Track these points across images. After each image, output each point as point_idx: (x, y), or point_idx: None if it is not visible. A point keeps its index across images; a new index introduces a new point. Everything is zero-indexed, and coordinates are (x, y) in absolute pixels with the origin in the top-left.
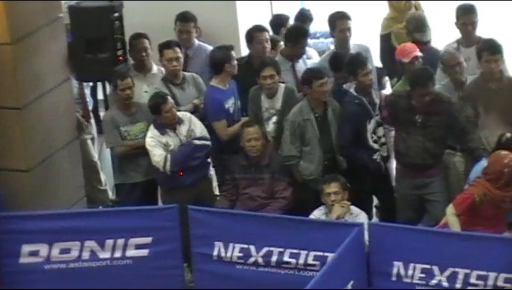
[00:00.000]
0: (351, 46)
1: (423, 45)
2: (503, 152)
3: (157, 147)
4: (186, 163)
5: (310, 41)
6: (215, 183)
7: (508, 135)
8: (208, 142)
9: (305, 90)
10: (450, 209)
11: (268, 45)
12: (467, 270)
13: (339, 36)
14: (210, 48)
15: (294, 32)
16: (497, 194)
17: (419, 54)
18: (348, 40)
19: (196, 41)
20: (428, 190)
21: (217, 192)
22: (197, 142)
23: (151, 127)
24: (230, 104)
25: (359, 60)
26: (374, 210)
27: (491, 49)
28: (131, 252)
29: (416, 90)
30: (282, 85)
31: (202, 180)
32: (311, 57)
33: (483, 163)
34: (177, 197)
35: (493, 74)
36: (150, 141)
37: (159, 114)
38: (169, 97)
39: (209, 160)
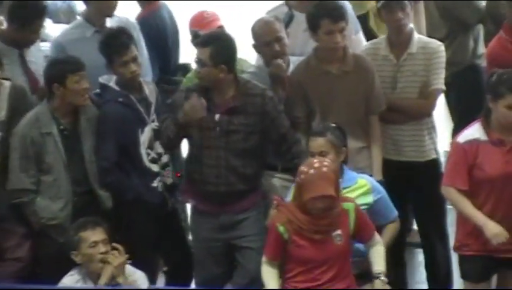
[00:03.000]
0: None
1: None
2: (313, 159)
3: None
4: None
5: None
6: None
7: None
8: None
9: (55, 90)
10: (263, 258)
11: None
12: None
13: None
14: None
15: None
16: (303, 221)
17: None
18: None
19: None
20: (239, 231)
21: None
22: None
23: None
24: None
25: (117, 43)
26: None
27: (332, 15)
28: None
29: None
30: (7, 83)
31: None
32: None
33: None
34: None
35: (335, 52)
36: None
37: None
38: None
39: None
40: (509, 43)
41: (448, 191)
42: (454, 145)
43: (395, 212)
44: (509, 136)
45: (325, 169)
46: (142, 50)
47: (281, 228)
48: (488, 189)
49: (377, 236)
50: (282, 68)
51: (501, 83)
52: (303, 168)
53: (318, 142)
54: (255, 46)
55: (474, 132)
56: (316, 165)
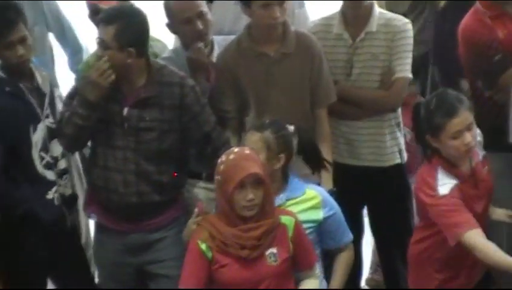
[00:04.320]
0: None
1: None
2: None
3: None
4: None
5: None
6: None
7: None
8: None
9: None
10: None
11: None
12: None
13: None
14: None
15: None
16: (226, 235)
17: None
18: None
19: None
20: (153, 255)
21: None
22: None
23: None
24: None
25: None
26: None
27: None
28: None
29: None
30: None
31: None
32: None
33: None
34: None
35: (272, 30)
36: None
37: None
38: None
39: None
40: (488, 17)
41: (470, 238)
42: (443, 200)
43: (350, 236)
44: (471, 161)
45: (247, 151)
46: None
47: (203, 246)
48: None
49: (316, 269)
50: (203, 52)
51: (433, 113)
52: (221, 159)
53: (252, 138)
54: (171, 26)
55: (445, 179)
56: (236, 149)
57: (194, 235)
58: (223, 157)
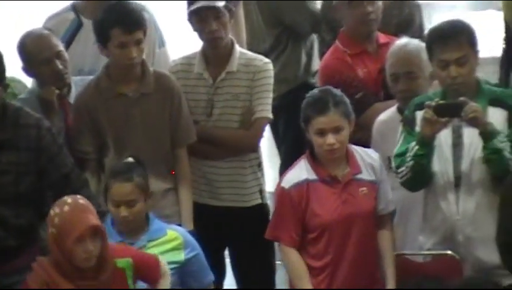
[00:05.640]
0: None
1: None
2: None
3: None
4: None
5: None
6: None
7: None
8: None
9: None
10: None
11: None
12: None
13: None
14: None
15: None
16: (62, 284)
17: None
18: None
19: None
20: None
21: None
22: None
23: None
24: None
25: None
26: None
27: (124, 23)
28: None
29: None
30: None
31: None
32: None
33: None
34: None
35: (130, 70)
36: None
37: None
38: None
39: None
40: (347, 55)
41: (284, 252)
42: (279, 191)
43: (211, 276)
44: (343, 169)
45: (81, 201)
46: None
47: None
48: (327, 237)
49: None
50: (53, 92)
51: (308, 105)
52: (54, 211)
53: (126, 190)
54: (26, 69)
55: (300, 172)
56: (69, 200)
57: (29, 280)
58: (57, 209)
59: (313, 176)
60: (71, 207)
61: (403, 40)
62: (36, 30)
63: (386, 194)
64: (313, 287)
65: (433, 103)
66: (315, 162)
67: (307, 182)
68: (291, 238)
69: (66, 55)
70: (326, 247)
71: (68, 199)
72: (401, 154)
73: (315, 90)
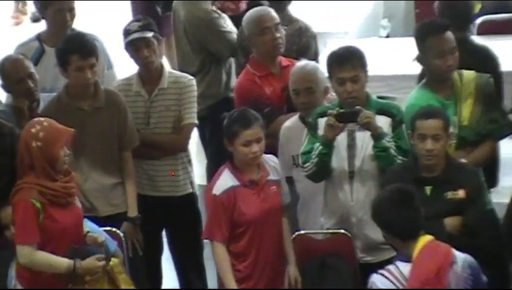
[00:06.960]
0: None
1: None
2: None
3: None
4: None
5: None
6: None
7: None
8: None
9: None
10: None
11: None
12: None
13: None
14: None
15: None
16: (55, 188)
17: None
18: None
19: None
20: None
21: None
22: None
23: None
24: None
25: None
26: None
27: (81, 51)
28: None
29: None
30: None
31: None
32: None
33: None
34: None
35: (85, 89)
36: None
37: None
38: None
39: None
40: (257, 77)
41: (215, 246)
42: (211, 198)
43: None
44: (257, 173)
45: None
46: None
47: (38, 204)
48: (250, 233)
49: None
50: (24, 103)
51: (233, 123)
52: (35, 128)
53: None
54: (4, 86)
55: (226, 180)
56: (41, 118)
57: (23, 196)
58: (37, 126)
59: (236, 182)
60: (48, 122)
61: (302, 62)
62: (13, 55)
63: (284, 189)
64: (236, 273)
65: (335, 111)
66: (236, 169)
67: (233, 188)
68: (223, 236)
69: (36, 75)
70: (251, 238)
71: (39, 119)
72: (307, 153)
73: (234, 111)
